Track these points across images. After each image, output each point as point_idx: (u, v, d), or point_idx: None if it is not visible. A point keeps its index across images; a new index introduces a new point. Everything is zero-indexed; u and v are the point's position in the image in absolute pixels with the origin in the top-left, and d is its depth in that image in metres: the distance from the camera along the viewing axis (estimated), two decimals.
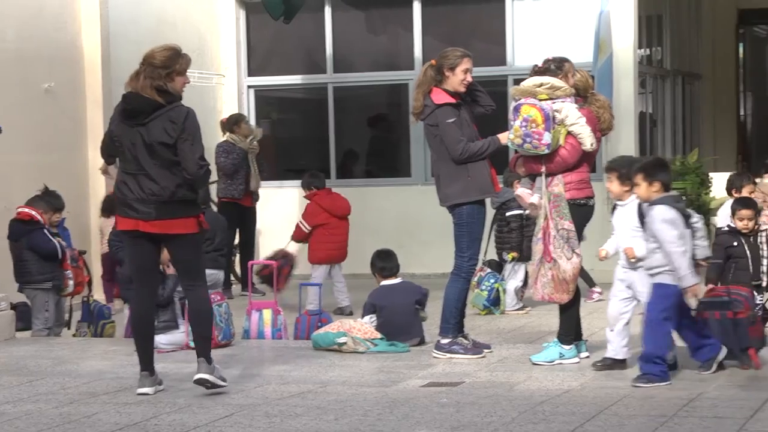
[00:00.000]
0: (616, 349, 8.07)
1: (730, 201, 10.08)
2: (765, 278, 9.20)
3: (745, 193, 10.21)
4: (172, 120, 7.28)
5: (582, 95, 8.45)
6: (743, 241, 9.23)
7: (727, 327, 7.78)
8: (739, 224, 9.25)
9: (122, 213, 7.47)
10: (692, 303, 7.82)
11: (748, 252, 9.18)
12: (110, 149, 7.71)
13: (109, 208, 12.39)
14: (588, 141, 8.23)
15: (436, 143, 8.66)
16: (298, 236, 11.75)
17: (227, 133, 13.51)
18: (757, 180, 13.87)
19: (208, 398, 7.31)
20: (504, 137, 8.54)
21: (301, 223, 11.76)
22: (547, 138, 8.14)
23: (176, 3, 14.97)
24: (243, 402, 7.23)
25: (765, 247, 9.29)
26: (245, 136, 13.45)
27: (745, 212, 9.26)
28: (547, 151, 8.17)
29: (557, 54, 8.88)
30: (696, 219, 7.72)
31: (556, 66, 8.49)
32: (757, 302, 8.87)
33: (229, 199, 13.31)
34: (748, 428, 6.29)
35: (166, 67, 7.35)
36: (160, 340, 9.01)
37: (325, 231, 11.72)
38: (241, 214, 13.33)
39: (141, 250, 7.48)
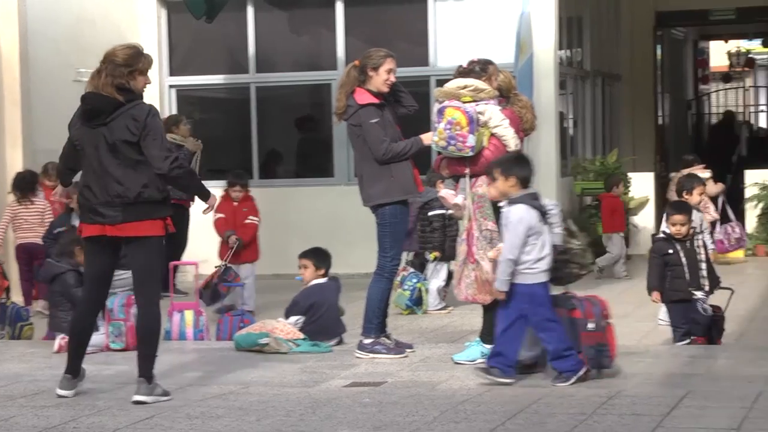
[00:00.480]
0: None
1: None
2: (706, 282, 8.96)
3: (695, 194, 9.73)
4: (135, 117, 7.14)
5: (505, 95, 8.51)
6: (678, 247, 8.96)
7: (566, 325, 7.59)
8: (672, 229, 8.98)
9: (87, 219, 7.28)
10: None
11: (683, 259, 8.94)
12: (70, 160, 7.47)
13: (22, 187, 12.14)
14: (512, 142, 8.29)
15: (359, 143, 8.67)
16: (254, 232, 11.71)
17: (166, 134, 13.27)
18: (672, 174, 14.16)
19: (127, 400, 7.25)
20: (427, 138, 8.58)
21: (252, 219, 11.76)
22: (471, 140, 8.19)
23: (96, 1, 14.82)
24: (164, 404, 7.17)
25: (702, 251, 9.02)
26: (185, 137, 13.34)
27: (678, 217, 8.95)
28: (471, 154, 8.21)
29: (479, 55, 8.93)
30: (554, 210, 7.66)
31: (480, 68, 8.55)
32: (700, 297, 8.84)
33: (176, 201, 13.12)
34: (665, 425, 6.38)
35: (129, 65, 7.22)
36: None
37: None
38: (183, 215, 13.22)
39: (101, 258, 7.31)
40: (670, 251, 8.96)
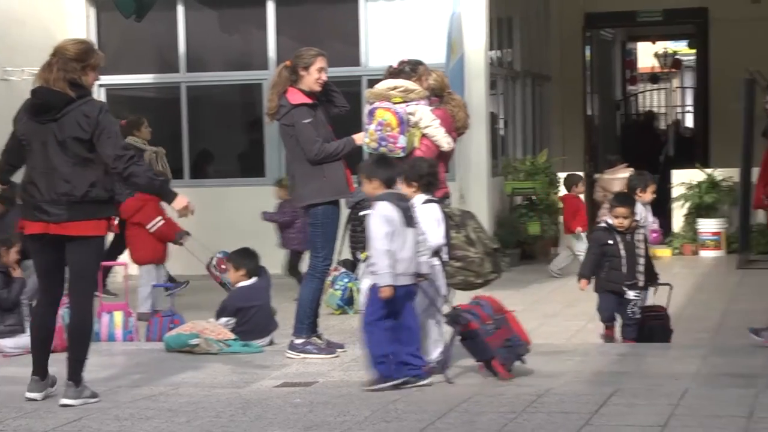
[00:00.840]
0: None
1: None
2: (642, 278, 8.99)
3: (649, 192, 9.76)
4: (86, 114, 7.01)
5: (438, 95, 8.55)
6: (618, 239, 8.99)
7: (470, 341, 7.62)
8: (615, 222, 9.02)
9: (30, 216, 7.12)
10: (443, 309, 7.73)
11: (622, 251, 8.96)
12: (13, 156, 7.28)
13: None
14: (443, 142, 8.33)
15: (291, 143, 8.67)
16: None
17: (128, 137, 13.19)
18: (597, 176, 14.31)
19: (55, 402, 7.17)
20: (359, 138, 8.60)
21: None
22: (402, 141, 8.22)
23: (24, 0, 14.64)
24: (92, 405, 7.11)
25: (642, 246, 9.05)
26: (146, 139, 13.23)
27: (621, 210, 9.01)
28: (402, 154, 8.24)
29: (411, 55, 8.98)
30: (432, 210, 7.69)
31: (410, 68, 8.59)
32: (632, 299, 8.89)
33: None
34: (593, 423, 6.44)
35: (81, 60, 7.09)
36: (6, 343, 8.81)
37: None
38: None
39: (46, 254, 7.17)
40: (610, 242, 8.99)
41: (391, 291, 7.29)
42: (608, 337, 9.01)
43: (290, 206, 11.91)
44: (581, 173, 15.07)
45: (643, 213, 9.38)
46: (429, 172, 7.84)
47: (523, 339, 7.74)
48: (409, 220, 7.44)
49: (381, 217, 7.35)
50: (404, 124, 8.22)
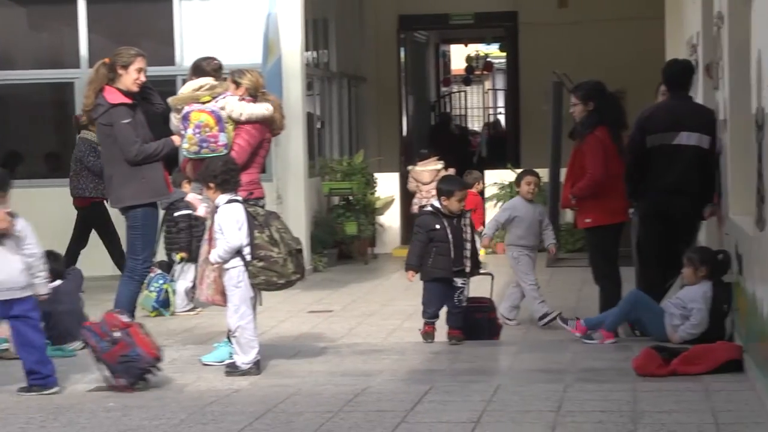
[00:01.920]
0: None
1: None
2: (468, 263, 8.91)
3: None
4: None
5: (253, 95, 8.54)
6: (446, 223, 8.84)
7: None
8: (445, 203, 8.90)
9: None
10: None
11: (449, 236, 8.82)
12: None
13: None
14: (261, 110, 8.30)
15: (109, 143, 8.55)
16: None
17: (83, 131, 12.69)
18: (409, 168, 14.54)
19: None
20: (177, 139, 8.54)
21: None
22: (223, 139, 8.20)
23: None
24: None
25: (468, 231, 8.94)
26: None
27: (460, 193, 8.98)
28: (225, 152, 8.22)
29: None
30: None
31: (206, 64, 8.69)
32: (459, 287, 8.87)
33: (101, 198, 12.60)
34: (408, 420, 6.53)
35: None
36: None
37: None
38: (99, 212, 12.56)
39: None
40: (437, 226, 8.86)
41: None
42: (428, 334, 9.03)
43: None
44: (478, 171, 15.34)
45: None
46: (223, 170, 7.86)
47: (148, 353, 7.54)
48: (254, 219, 7.66)
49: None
50: (221, 121, 8.21)
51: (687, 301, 8.49)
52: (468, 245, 8.96)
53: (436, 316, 9.08)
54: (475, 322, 9.15)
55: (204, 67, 8.67)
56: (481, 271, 9.29)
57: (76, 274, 9.43)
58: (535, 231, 10.25)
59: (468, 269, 8.96)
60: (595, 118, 9.22)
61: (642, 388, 7.15)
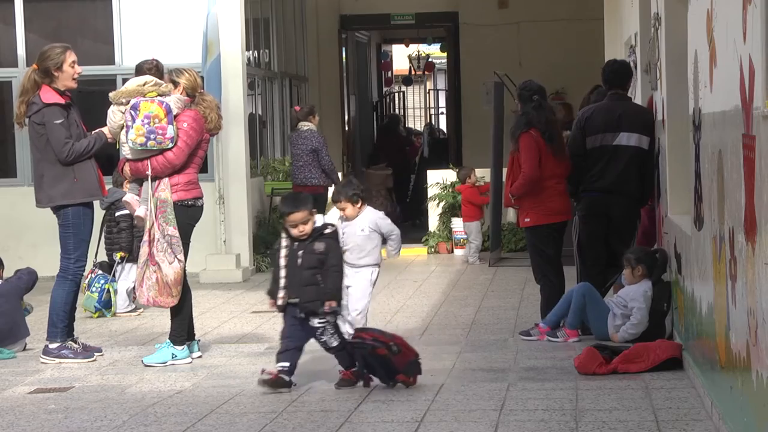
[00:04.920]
0: None
1: None
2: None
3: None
4: None
5: (190, 95, 8.51)
6: (285, 245, 7.40)
7: None
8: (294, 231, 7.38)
9: None
10: None
11: (281, 260, 7.36)
12: None
13: None
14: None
15: (41, 143, 8.47)
16: None
17: (301, 123, 13.48)
18: (363, 170, 14.55)
19: None
20: (108, 131, 8.50)
21: None
22: (170, 131, 8.19)
23: None
24: None
25: (315, 260, 7.34)
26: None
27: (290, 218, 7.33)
28: (171, 145, 8.21)
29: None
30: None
31: (148, 66, 8.69)
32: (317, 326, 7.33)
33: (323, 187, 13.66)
34: (352, 420, 6.55)
35: None
36: None
37: None
38: None
39: None
40: (276, 246, 7.55)
41: None
42: (274, 382, 7.35)
43: None
44: (470, 167, 15.46)
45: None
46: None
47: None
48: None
49: None
50: (171, 114, 8.21)
51: (628, 300, 8.58)
52: (306, 277, 7.32)
53: (288, 361, 7.39)
54: (374, 359, 7.42)
55: (141, 67, 8.74)
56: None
57: (25, 273, 9.30)
58: None
59: (323, 309, 7.31)
60: (523, 120, 9.28)
61: (584, 386, 7.22)
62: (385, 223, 8.51)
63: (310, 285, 7.30)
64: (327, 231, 7.50)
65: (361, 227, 8.41)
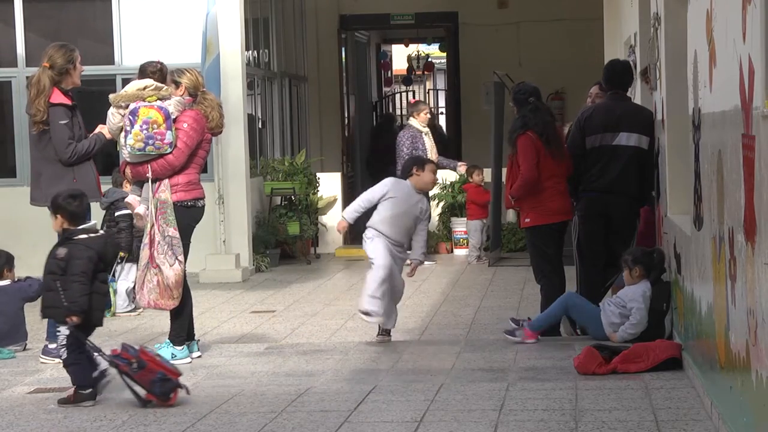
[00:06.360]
0: None
1: None
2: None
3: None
4: None
5: (193, 94, 8.51)
6: None
7: None
8: None
9: None
10: None
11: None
12: None
13: None
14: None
15: (43, 141, 8.47)
16: None
17: (411, 118, 14.13)
18: None
19: None
20: (107, 131, 8.50)
21: None
22: (169, 137, 8.19)
23: None
24: None
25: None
26: None
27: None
28: (170, 151, 8.20)
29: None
30: None
31: (152, 69, 8.66)
32: None
33: None
34: (352, 420, 6.55)
35: None
36: None
37: None
38: None
39: None
40: None
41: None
42: None
43: None
44: (475, 164, 15.52)
45: None
46: None
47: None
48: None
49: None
50: (169, 119, 8.20)
51: (627, 300, 8.57)
52: (47, 280, 7.22)
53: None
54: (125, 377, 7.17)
55: (145, 69, 8.68)
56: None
57: (36, 283, 9.10)
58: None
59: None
60: (519, 123, 9.27)
61: (583, 386, 7.22)
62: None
63: (49, 290, 7.13)
64: (77, 237, 7.11)
65: (420, 209, 9.16)
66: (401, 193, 9.08)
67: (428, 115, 14.91)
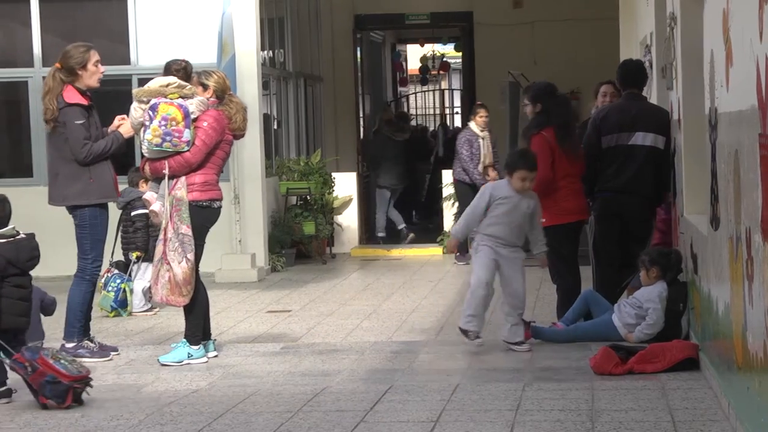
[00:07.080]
0: None
1: None
2: None
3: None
4: None
5: (220, 97, 8.52)
6: None
7: None
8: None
9: None
10: None
11: None
12: None
13: None
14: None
15: (59, 141, 8.50)
16: None
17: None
18: None
19: None
20: (127, 131, 8.52)
21: None
22: (187, 135, 8.20)
23: None
24: None
25: None
26: None
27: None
28: (187, 149, 8.23)
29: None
30: None
31: (176, 69, 8.66)
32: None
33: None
34: (368, 420, 6.55)
35: None
36: None
37: None
38: None
39: None
40: None
41: None
42: None
43: None
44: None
45: None
46: None
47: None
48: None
49: None
50: (188, 117, 8.23)
51: (643, 301, 8.56)
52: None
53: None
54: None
55: (170, 66, 8.71)
56: None
57: (50, 299, 9.06)
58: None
59: None
60: (541, 119, 9.25)
61: (599, 386, 7.21)
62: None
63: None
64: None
65: (528, 204, 8.69)
66: (503, 193, 8.74)
67: (483, 118, 14.80)
